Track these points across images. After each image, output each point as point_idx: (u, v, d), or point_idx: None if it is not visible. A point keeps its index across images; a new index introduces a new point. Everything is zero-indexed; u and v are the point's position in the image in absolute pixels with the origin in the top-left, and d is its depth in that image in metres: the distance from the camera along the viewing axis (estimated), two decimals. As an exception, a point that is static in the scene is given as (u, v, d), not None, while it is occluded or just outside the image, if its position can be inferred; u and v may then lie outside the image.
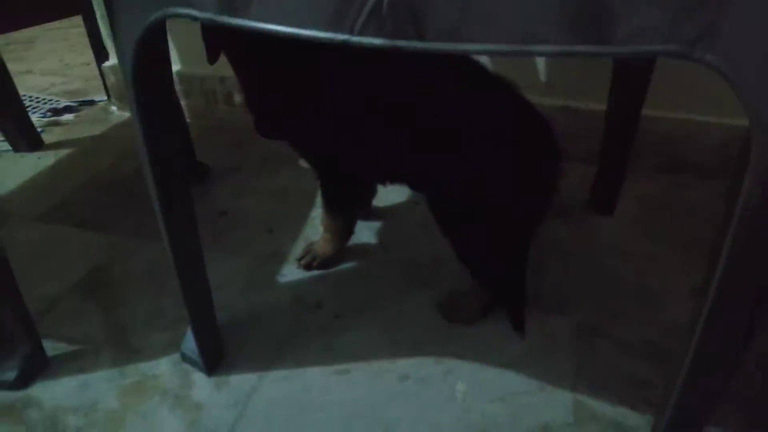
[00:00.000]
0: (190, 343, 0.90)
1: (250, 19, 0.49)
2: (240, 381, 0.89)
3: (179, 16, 0.54)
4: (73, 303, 1.06)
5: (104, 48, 1.75)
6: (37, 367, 0.91)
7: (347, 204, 1.10)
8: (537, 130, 0.87)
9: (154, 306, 1.04)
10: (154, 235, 1.19)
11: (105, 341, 0.97)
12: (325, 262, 1.12)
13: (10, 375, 0.88)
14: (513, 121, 0.86)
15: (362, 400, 0.86)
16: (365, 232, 1.21)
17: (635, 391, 0.85)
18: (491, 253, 0.93)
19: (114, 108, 1.82)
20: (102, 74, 1.79)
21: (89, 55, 1.83)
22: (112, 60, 1.76)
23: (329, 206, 1.08)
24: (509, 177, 0.85)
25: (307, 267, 1.11)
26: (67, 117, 1.78)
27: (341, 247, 1.12)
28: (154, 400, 0.87)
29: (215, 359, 0.92)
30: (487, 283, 0.98)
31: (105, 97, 1.86)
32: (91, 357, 0.94)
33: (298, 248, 1.17)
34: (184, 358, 0.93)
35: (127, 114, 1.79)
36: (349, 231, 1.12)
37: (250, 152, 1.54)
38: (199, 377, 0.90)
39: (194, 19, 0.52)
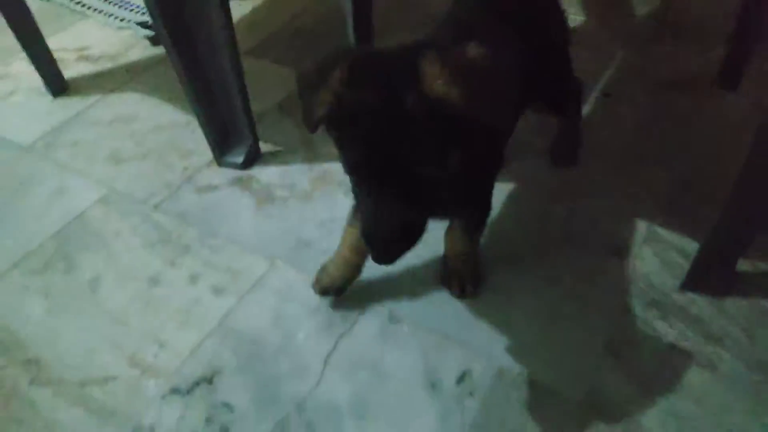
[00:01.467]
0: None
1: None
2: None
3: None
4: (274, 118, 1.43)
5: None
6: (255, 156, 1.30)
7: None
8: None
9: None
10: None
11: (299, 147, 1.33)
12: None
13: (239, 158, 1.28)
14: None
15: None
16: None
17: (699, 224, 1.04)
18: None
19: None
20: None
21: None
22: None
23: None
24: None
25: None
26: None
27: None
28: (333, 186, 1.22)
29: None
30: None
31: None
32: (290, 156, 1.31)
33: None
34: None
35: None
36: None
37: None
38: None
39: None
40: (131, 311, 1.02)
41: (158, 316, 1.01)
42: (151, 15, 1.13)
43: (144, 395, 0.90)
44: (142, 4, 1.84)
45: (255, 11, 1.87)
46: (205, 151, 1.29)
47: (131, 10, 1.91)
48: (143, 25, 1.81)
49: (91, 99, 1.50)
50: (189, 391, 0.90)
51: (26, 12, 1.43)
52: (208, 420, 0.87)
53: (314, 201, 1.20)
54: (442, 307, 0.99)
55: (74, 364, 0.95)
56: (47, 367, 0.94)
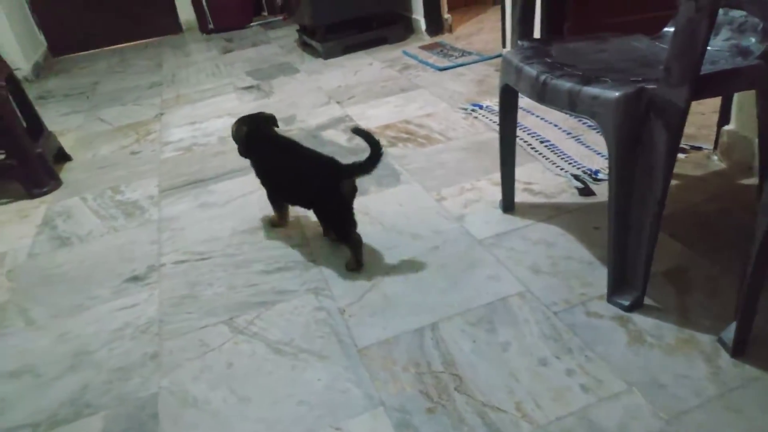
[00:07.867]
0: (729, 333, 1.48)
1: None
2: (736, 371, 1.43)
3: None
4: (658, 282, 1.76)
5: (728, 117, 2.35)
6: (638, 305, 1.67)
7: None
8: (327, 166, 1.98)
9: (708, 295, 1.66)
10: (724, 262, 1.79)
11: (674, 311, 1.65)
12: None
13: (626, 302, 1.66)
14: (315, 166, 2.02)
15: None
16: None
17: None
18: (338, 221, 2.00)
19: (715, 158, 2.42)
20: (718, 132, 2.41)
21: (713, 105, 2.46)
22: (731, 125, 2.35)
23: None
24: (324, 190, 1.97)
25: None
26: (680, 155, 2.49)
27: None
28: (696, 351, 1.50)
29: (741, 352, 1.47)
30: (342, 235, 2.03)
31: (711, 147, 2.48)
32: (665, 315, 1.63)
33: None
34: (720, 340, 1.52)
35: (723, 165, 2.37)
36: None
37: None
38: (725, 356, 1.48)
39: None
40: (525, 372, 1.50)
41: (541, 385, 1.46)
42: (610, 180, 1.61)
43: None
44: (580, 160, 2.49)
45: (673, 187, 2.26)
46: (600, 287, 1.73)
47: (570, 164, 2.55)
48: (576, 177, 2.43)
49: (527, 221, 2.11)
50: (549, 443, 1.32)
51: (514, 150, 2.14)
52: (558, 467, 1.26)
53: (675, 357, 1.50)
54: None
55: (484, 390, 1.46)
56: (467, 383, 1.49)
